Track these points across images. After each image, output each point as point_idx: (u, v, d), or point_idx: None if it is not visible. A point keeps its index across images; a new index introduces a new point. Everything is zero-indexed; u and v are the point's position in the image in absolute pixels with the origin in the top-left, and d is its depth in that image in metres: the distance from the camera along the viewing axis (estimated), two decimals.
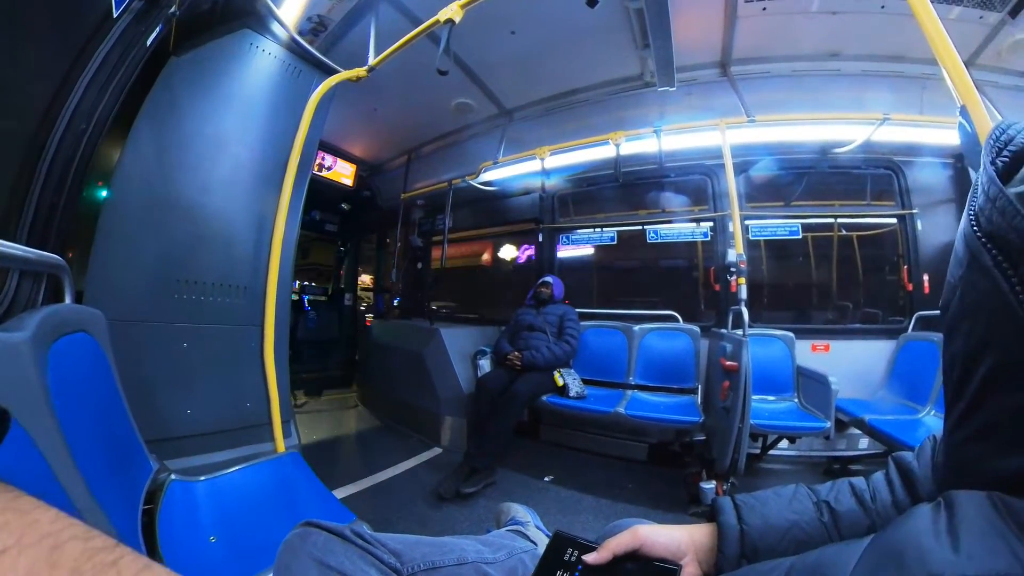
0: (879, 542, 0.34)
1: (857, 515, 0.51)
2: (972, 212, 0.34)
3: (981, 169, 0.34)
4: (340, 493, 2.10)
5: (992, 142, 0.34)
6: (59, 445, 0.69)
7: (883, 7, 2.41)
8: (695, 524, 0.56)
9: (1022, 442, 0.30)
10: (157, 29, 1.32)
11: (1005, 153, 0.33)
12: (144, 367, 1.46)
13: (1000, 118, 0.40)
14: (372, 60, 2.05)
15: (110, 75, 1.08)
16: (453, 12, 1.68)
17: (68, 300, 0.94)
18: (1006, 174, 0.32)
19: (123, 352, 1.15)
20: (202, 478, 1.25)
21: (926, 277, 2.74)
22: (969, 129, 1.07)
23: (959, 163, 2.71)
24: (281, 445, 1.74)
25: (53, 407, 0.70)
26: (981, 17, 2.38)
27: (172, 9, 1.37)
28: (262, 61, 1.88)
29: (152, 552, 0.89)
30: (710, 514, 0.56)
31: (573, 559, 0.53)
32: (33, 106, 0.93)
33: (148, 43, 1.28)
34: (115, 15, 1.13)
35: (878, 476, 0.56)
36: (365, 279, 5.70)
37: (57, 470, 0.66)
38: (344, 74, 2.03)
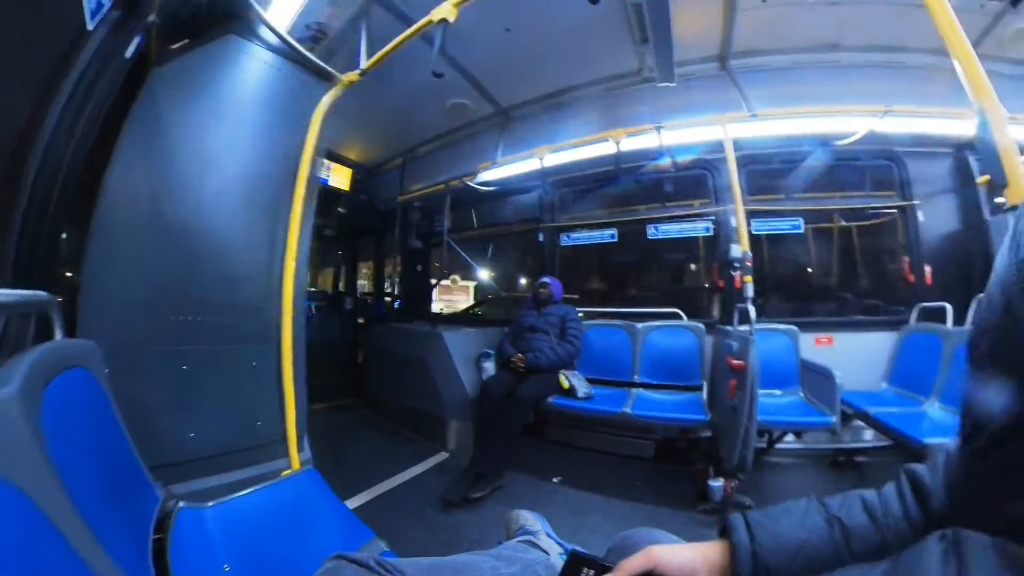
0: None
1: (868, 530, 0.52)
2: (1017, 262, 0.34)
3: None
4: (350, 504, 2.09)
5: None
6: (56, 491, 0.66)
7: None
8: (708, 542, 0.56)
9: None
10: (136, 40, 1.26)
11: None
12: (144, 392, 1.41)
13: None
14: (364, 63, 2.00)
15: (87, 93, 1.02)
16: (447, 11, 1.64)
17: (58, 335, 0.90)
18: None
19: (121, 379, 1.10)
20: (210, 503, 1.20)
21: (928, 268, 2.73)
22: (984, 122, 1.05)
23: (960, 153, 2.69)
24: (296, 462, 1.71)
25: (48, 453, 0.67)
26: (982, 6, 2.36)
27: (151, 17, 1.31)
28: (250, 67, 1.81)
29: None
30: (722, 532, 0.57)
31: None
32: (4, 134, 0.88)
33: (127, 55, 1.22)
34: (89, 28, 1.06)
35: (889, 489, 0.56)
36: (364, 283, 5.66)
37: (55, 517, 0.63)
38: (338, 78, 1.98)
